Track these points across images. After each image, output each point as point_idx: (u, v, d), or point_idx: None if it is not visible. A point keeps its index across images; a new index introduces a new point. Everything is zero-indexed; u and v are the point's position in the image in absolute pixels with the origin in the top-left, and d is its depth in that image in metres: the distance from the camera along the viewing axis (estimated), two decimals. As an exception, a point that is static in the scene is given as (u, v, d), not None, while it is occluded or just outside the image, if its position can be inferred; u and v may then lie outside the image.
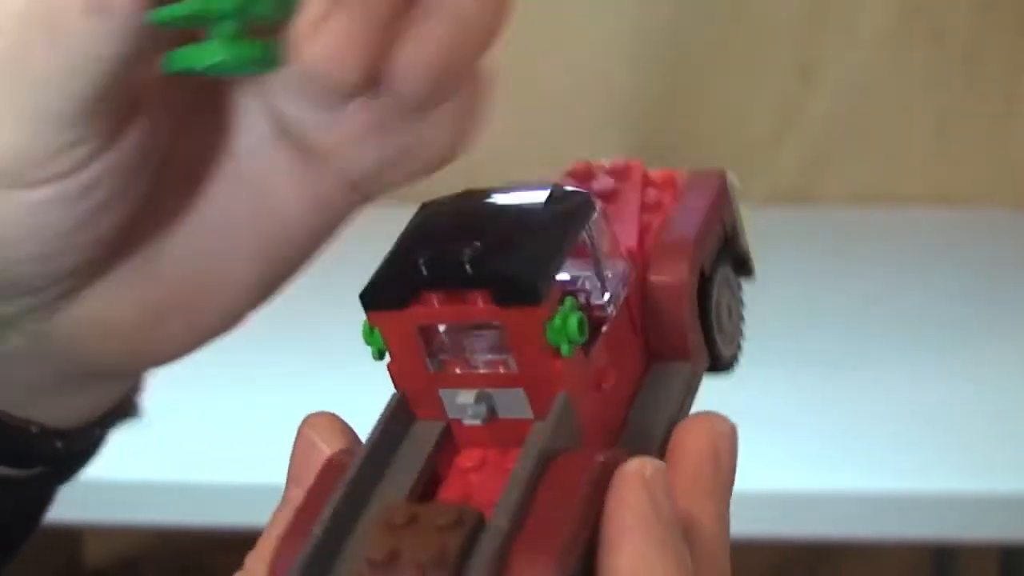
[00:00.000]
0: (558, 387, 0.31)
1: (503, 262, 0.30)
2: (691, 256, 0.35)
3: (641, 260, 0.35)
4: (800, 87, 1.51)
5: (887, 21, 1.50)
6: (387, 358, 0.32)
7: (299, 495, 0.31)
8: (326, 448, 0.32)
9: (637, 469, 0.29)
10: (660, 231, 0.36)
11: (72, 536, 1.27)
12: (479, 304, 0.30)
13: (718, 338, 0.37)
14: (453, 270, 0.30)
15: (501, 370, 0.31)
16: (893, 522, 0.97)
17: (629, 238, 0.35)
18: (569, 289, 0.32)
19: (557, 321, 0.30)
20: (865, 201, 1.53)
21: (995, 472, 0.96)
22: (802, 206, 1.52)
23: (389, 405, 0.32)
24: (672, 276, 0.35)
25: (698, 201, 0.39)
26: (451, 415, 0.32)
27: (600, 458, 0.29)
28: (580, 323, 0.30)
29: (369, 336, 0.32)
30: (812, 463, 0.98)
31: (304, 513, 0.30)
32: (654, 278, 0.35)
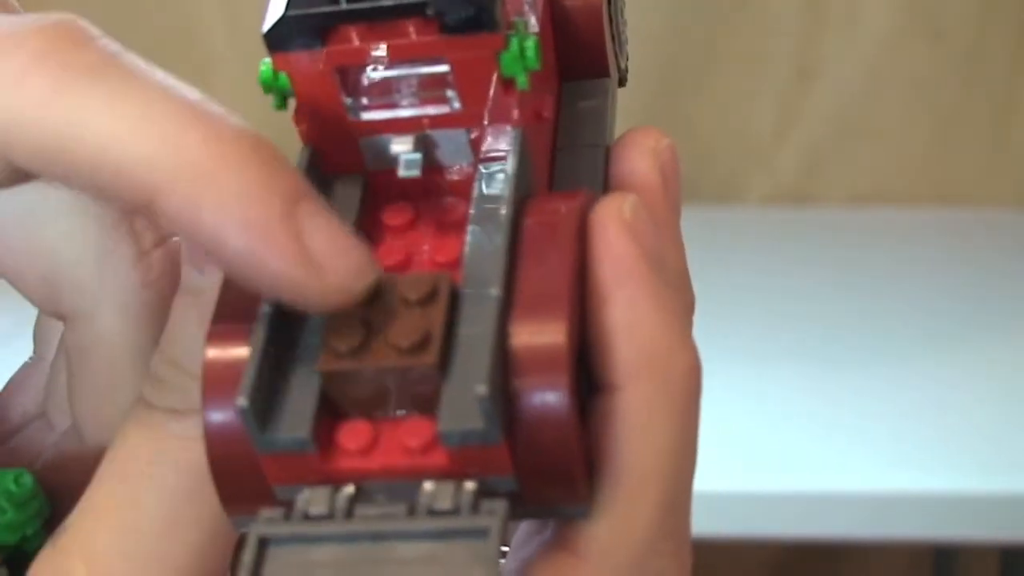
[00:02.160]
0: (510, 120, 0.27)
1: None
2: (602, 22, 0.31)
3: None
4: (800, 87, 1.51)
5: (887, 21, 1.50)
6: (291, 107, 0.28)
7: (201, 281, 0.28)
8: None
9: (616, 211, 0.26)
10: None
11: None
12: (413, 36, 0.26)
13: (618, 49, 0.33)
14: None
15: (437, 110, 0.27)
16: (893, 522, 0.97)
17: None
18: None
19: (513, 48, 0.26)
20: (865, 201, 1.52)
21: (995, 472, 0.96)
22: (802, 206, 1.52)
23: (300, 163, 0.28)
24: None
25: None
26: (373, 167, 0.28)
27: (578, 203, 0.26)
28: (536, 49, 0.26)
29: (271, 82, 0.27)
30: (812, 463, 0.97)
31: (229, 303, 0.26)
32: None
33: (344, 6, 0.26)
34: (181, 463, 0.28)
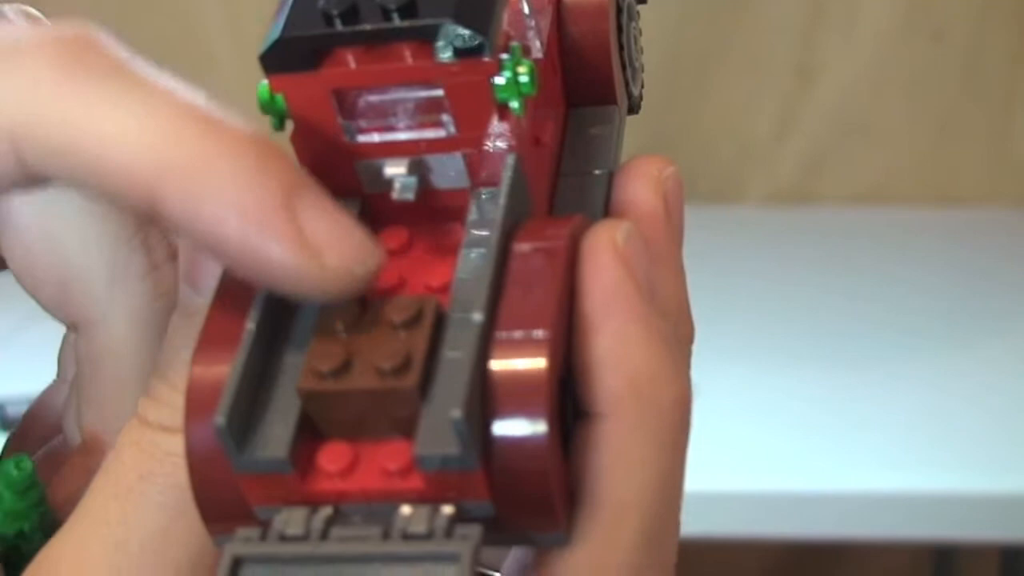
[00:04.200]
0: (507, 149, 0.27)
1: (436, 6, 0.26)
2: (606, 15, 0.31)
3: None
4: (800, 87, 1.51)
5: (887, 21, 1.50)
6: (288, 128, 0.28)
7: (197, 301, 0.28)
8: None
9: (609, 238, 0.26)
10: None
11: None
12: (409, 60, 0.26)
13: (630, 76, 0.33)
14: (375, 20, 0.26)
15: (433, 134, 0.27)
16: (893, 522, 0.97)
17: None
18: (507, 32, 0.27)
19: (507, 74, 0.26)
20: (865, 201, 1.52)
21: (995, 472, 0.96)
22: (802, 206, 1.52)
23: None
24: (594, 3, 0.30)
25: None
26: (370, 189, 0.28)
27: (569, 229, 0.26)
28: (532, 74, 0.26)
29: (269, 103, 0.27)
30: (812, 463, 0.97)
31: (217, 324, 0.26)
32: (574, 5, 0.30)
33: (340, 28, 0.26)
34: (170, 482, 0.28)
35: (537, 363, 0.24)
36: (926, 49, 1.49)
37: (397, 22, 0.26)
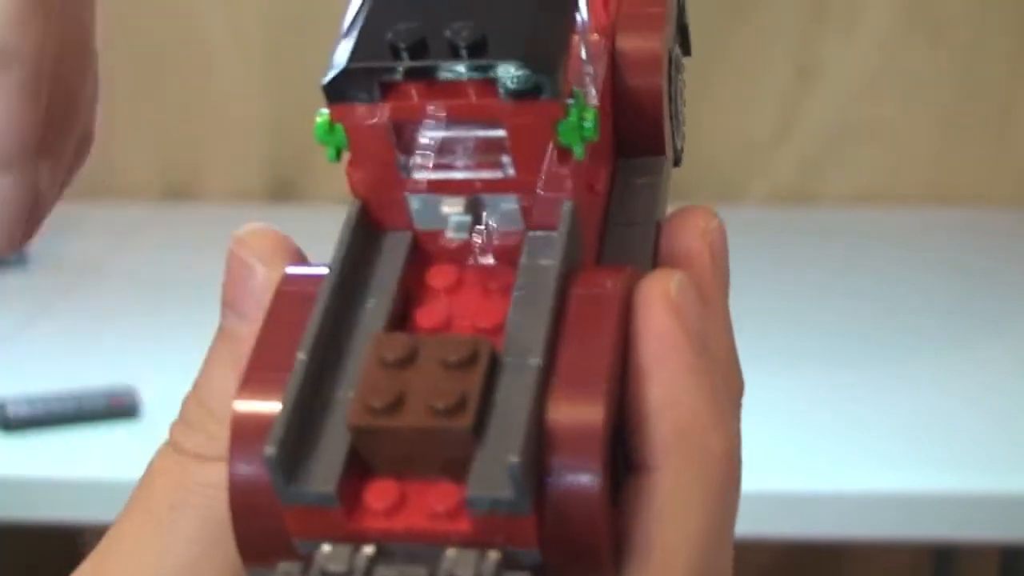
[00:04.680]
0: (563, 192, 0.27)
1: (505, 46, 0.26)
2: (661, 32, 0.31)
3: (609, 34, 0.30)
4: (800, 87, 1.51)
5: (887, 21, 1.50)
6: (344, 158, 0.28)
7: (240, 327, 0.28)
8: (262, 268, 0.28)
9: (662, 288, 0.26)
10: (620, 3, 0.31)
11: (72, 536, 1.27)
12: (473, 98, 0.26)
13: (675, 128, 0.33)
14: (442, 56, 0.26)
15: (490, 174, 0.27)
16: (893, 522, 0.97)
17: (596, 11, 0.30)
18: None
19: (572, 118, 0.26)
20: (865, 201, 1.52)
21: (995, 472, 0.96)
22: (802, 206, 1.52)
23: (350, 217, 0.27)
24: (649, 54, 0.30)
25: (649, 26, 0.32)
26: (421, 226, 0.27)
27: (624, 278, 0.26)
28: (595, 120, 0.26)
29: (327, 133, 0.27)
30: (812, 463, 0.98)
31: (265, 353, 0.26)
32: (629, 54, 0.30)
33: (407, 63, 0.26)
34: (202, 513, 0.28)
35: (594, 413, 0.24)
36: (926, 49, 1.49)
37: (465, 59, 0.26)
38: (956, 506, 0.96)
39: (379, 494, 0.24)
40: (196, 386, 0.29)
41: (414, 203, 0.27)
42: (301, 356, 0.25)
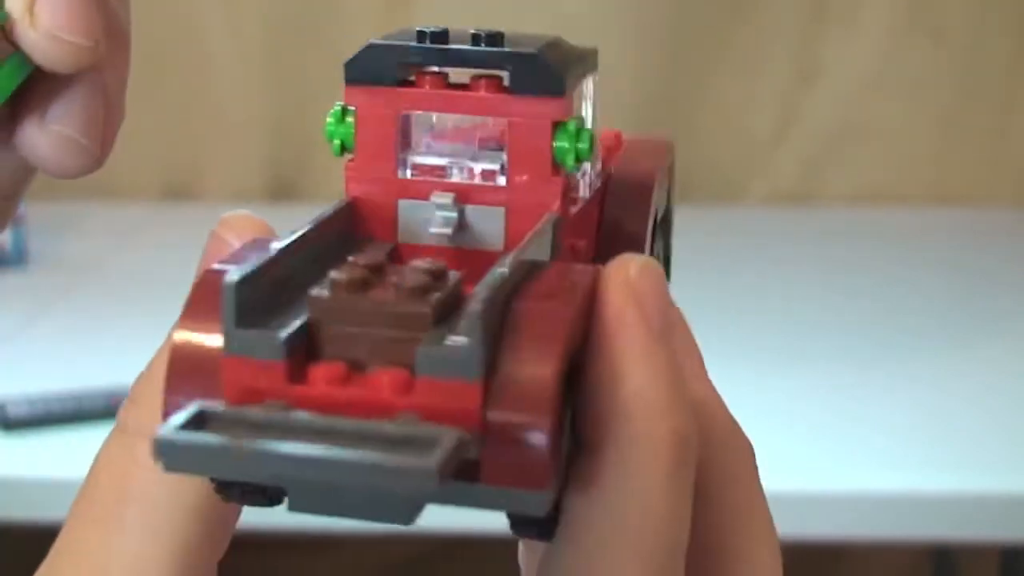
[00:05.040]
0: (550, 205, 0.27)
1: (521, 44, 0.27)
2: (652, 196, 0.31)
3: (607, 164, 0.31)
4: (800, 87, 1.51)
5: (887, 21, 1.50)
6: (346, 157, 0.28)
7: None
8: (238, 245, 0.28)
9: (623, 270, 0.26)
10: (620, 160, 0.32)
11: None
12: (482, 91, 0.27)
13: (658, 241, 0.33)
14: (461, 42, 0.27)
15: (483, 182, 0.27)
16: (893, 522, 0.97)
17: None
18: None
19: (571, 126, 0.27)
20: (865, 201, 1.52)
21: (995, 472, 0.96)
22: (802, 206, 1.52)
23: (334, 205, 0.28)
24: (638, 209, 0.31)
25: (649, 161, 0.32)
26: (404, 238, 0.28)
27: (596, 269, 0.26)
28: (591, 142, 0.27)
29: (338, 123, 0.28)
30: (811, 463, 0.97)
31: (203, 297, 0.25)
32: (619, 203, 0.31)
33: (428, 45, 0.27)
34: (149, 501, 0.27)
35: (558, 311, 0.24)
36: (926, 49, 1.49)
37: (483, 48, 0.27)
38: (956, 506, 0.95)
39: (326, 372, 0.23)
40: (149, 365, 0.28)
41: (403, 210, 0.28)
42: (275, 245, 0.25)
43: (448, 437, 0.22)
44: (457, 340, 0.23)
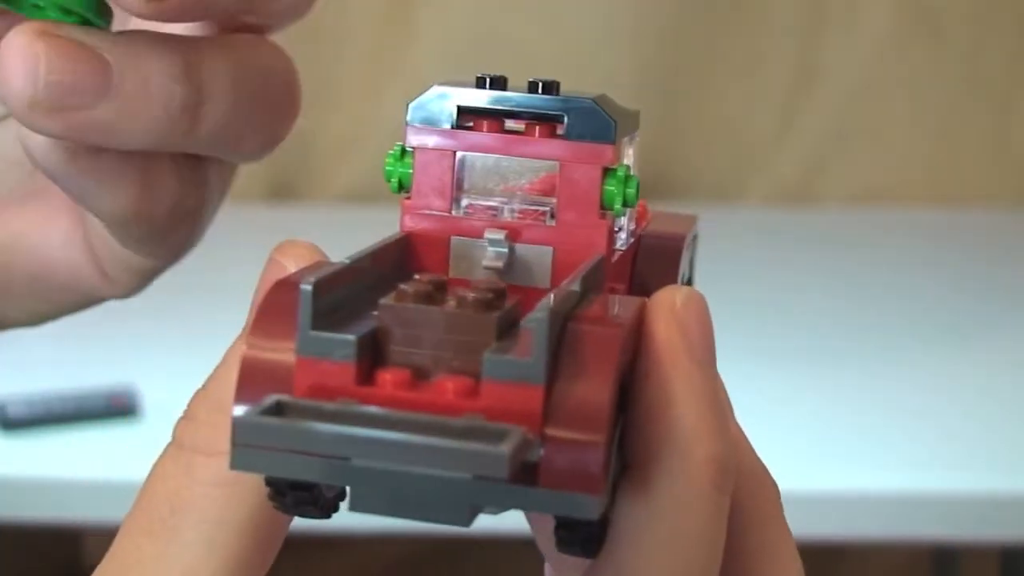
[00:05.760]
0: (598, 246, 0.29)
1: (577, 94, 0.29)
2: (680, 259, 0.33)
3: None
4: (800, 87, 1.51)
5: (887, 21, 1.50)
6: (403, 194, 0.29)
7: None
8: (295, 269, 0.28)
9: (669, 300, 0.27)
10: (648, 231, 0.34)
11: (72, 536, 1.27)
12: (536, 135, 0.29)
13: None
14: (518, 90, 0.29)
15: (534, 221, 0.29)
16: (893, 522, 0.97)
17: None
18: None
19: (621, 171, 0.29)
20: (865, 201, 1.53)
21: (995, 472, 0.96)
22: (802, 206, 1.52)
23: (390, 238, 0.29)
24: (667, 277, 0.32)
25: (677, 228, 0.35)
26: (455, 272, 0.29)
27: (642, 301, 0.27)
28: (637, 188, 0.29)
29: (398, 161, 0.29)
30: (812, 463, 0.97)
31: (273, 306, 0.26)
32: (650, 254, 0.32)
33: (488, 90, 0.29)
34: (202, 515, 0.28)
35: (611, 332, 0.25)
36: (926, 49, 1.50)
37: (540, 93, 0.29)
38: (956, 506, 0.96)
39: (393, 375, 0.25)
40: (207, 382, 0.29)
41: (456, 246, 0.29)
42: (344, 260, 0.26)
43: (516, 432, 0.23)
44: (523, 352, 0.24)
